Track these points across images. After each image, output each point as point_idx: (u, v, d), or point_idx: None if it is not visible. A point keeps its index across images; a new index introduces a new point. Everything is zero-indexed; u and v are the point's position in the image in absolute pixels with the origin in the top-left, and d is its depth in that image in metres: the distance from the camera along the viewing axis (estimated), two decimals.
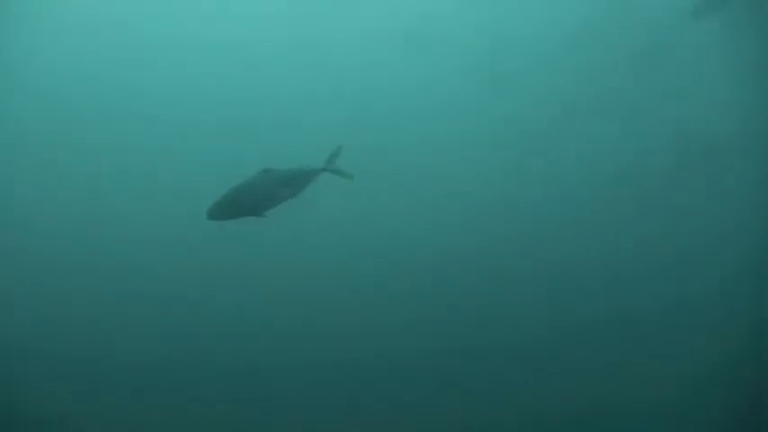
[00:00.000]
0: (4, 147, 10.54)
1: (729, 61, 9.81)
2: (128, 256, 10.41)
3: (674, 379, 8.92)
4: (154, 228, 10.56)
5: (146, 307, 10.00)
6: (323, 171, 6.57)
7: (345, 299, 10.20)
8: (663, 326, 9.58)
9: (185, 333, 9.85)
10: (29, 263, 9.95)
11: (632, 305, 9.81)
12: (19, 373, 9.03)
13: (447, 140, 11.19)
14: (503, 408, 9.15)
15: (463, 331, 9.90)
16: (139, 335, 9.74)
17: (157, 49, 11.11)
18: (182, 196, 10.19)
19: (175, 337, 9.76)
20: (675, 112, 10.50)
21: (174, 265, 10.35)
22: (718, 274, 9.59)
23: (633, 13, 10.65)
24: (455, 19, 11.26)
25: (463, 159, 11.15)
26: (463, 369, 9.70)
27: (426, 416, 9.17)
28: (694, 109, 10.34)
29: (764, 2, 9.22)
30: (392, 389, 9.43)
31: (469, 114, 11.25)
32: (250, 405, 9.29)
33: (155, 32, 11.00)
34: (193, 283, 10.25)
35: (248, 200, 5.95)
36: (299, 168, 6.36)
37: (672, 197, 10.44)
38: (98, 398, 9.09)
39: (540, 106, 11.12)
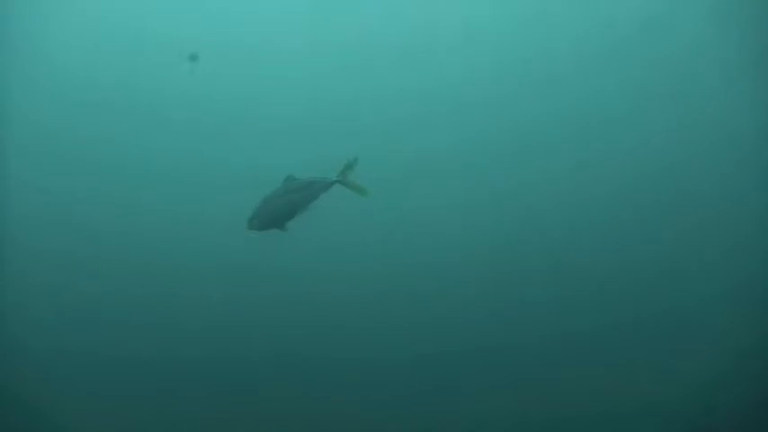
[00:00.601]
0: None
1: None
2: (136, 257, 10.36)
3: (681, 383, 8.95)
4: (170, 228, 10.53)
5: (154, 306, 10.06)
6: (335, 183, 6.36)
7: (361, 298, 10.25)
8: (673, 329, 9.58)
9: (193, 330, 9.90)
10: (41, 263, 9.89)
11: (646, 308, 9.77)
12: (19, 373, 9.09)
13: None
14: (513, 407, 9.22)
15: (478, 332, 9.92)
16: (149, 335, 9.80)
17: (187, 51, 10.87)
18: (194, 198, 10.49)
19: (180, 335, 9.82)
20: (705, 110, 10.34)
21: (185, 267, 10.34)
22: (728, 278, 9.53)
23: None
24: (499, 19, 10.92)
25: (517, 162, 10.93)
26: (466, 370, 9.76)
27: (429, 415, 9.30)
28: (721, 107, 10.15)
29: None
30: (402, 389, 9.53)
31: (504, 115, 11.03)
32: (252, 403, 9.41)
33: (179, 35, 10.80)
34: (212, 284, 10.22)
35: (285, 208, 6.15)
36: (312, 179, 6.32)
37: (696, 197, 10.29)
38: (108, 398, 9.17)
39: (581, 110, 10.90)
